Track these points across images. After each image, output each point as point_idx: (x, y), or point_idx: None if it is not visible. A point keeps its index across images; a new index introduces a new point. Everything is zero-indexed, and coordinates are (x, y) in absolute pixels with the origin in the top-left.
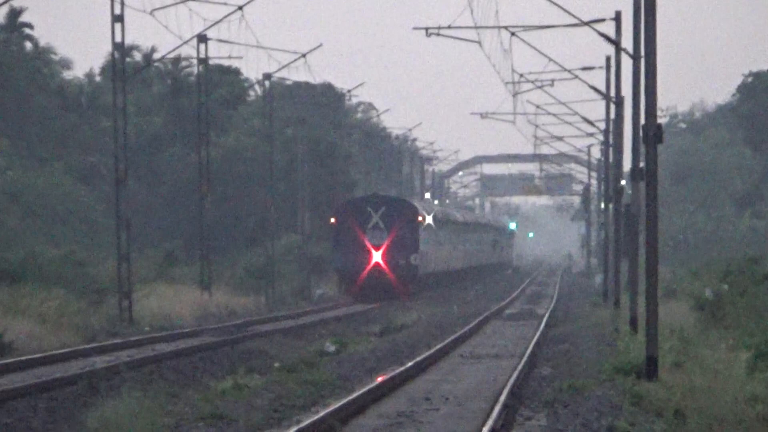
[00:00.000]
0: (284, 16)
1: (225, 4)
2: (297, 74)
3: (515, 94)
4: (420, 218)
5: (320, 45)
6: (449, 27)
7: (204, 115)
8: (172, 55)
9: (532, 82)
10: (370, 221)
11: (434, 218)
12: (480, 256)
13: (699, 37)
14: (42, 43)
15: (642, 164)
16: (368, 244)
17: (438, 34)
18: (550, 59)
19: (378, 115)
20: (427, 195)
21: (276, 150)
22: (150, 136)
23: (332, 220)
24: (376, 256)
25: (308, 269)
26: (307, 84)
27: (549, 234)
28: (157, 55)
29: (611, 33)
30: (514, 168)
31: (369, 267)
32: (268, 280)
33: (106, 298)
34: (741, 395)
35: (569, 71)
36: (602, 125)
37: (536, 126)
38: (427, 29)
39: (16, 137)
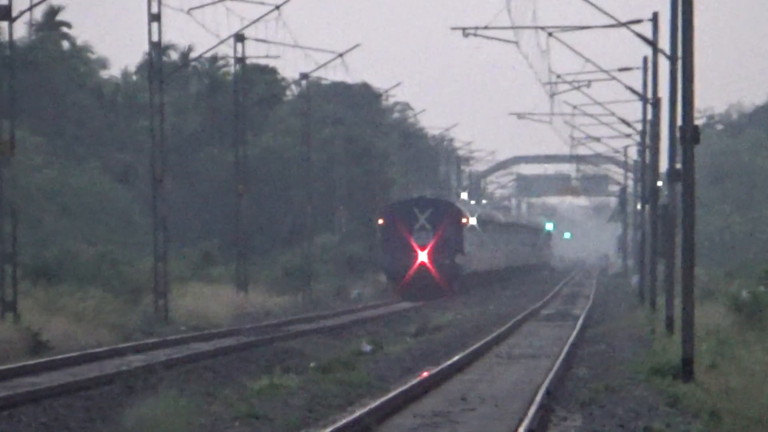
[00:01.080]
0: (321, 16)
1: (262, 3)
2: (334, 74)
3: (552, 95)
4: (464, 220)
5: (357, 45)
6: (486, 27)
7: (241, 115)
8: (209, 55)
9: (569, 82)
10: (416, 222)
11: (478, 220)
12: (520, 257)
13: (736, 37)
14: (79, 42)
15: (679, 165)
16: (414, 245)
17: (475, 35)
18: (587, 60)
19: (415, 115)
20: (464, 195)
21: (313, 150)
22: (187, 136)
23: (380, 221)
24: (422, 256)
25: (345, 269)
26: (344, 84)
27: (585, 235)
28: (194, 55)
29: (648, 34)
30: (551, 168)
31: (415, 266)
32: (304, 279)
33: (142, 297)
34: None
35: (606, 72)
36: (639, 126)
37: (573, 127)
38: (464, 29)
39: (53, 136)
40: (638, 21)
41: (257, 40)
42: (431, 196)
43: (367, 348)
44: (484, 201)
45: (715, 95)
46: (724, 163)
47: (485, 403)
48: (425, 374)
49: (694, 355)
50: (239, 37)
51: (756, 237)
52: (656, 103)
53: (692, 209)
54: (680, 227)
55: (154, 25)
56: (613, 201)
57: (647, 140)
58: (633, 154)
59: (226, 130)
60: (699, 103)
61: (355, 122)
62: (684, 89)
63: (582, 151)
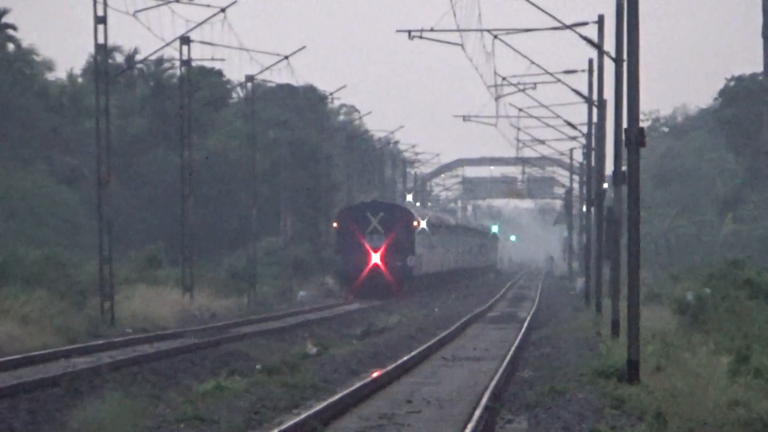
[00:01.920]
0: (267, 18)
1: (208, 6)
2: (279, 76)
3: (498, 97)
4: (415, 223)
5: (303, 47)
6: (432, 30)
7: (186, 117)
8: (154, 57)
9: (515, 85)
10: (369, 226)
11: (428, 223)
12: (468, 259)
13: (682, 41)
14: (24, 44)
15: (624, 168)
16: (367, 247)
17: (421, 37)
18: (533, 62)
19: (360, 118)
20: (409, 197)
21: (258, 152)
22: (132, 138)
23: (334, 224)
24: (375, 258)
25: (290, 271)
26: (289, 86)
27: (531, 237)
28: (139, 57)
29: (594, 36)
30: (497, 171)
31: (368, 268)
32: (250, 282)
33: (88, 299)
34: (722, 399)
35: (552, 74)
36: (585, 128)
37: (518, 129)
38: (409, 32)
39: None
40: (584, 23)
41: (202, 42)
42: (383, 201)
43: (313, 350)
44: (429, 204)
45: (660, 98)
46: (669, 165)
47: (430, 406)
48: (376, 374)
49: (639, 357)
50: (184, 40)
51: (701, 239)
52: (602, 106)
53: (637, 211)
54: (625, 230)
55: (100, 27)
56: (558, 203)
57: (593, 143)
58: (578, 156)
59: (172, 132)
60: (644, 105)
61: (301, 125)
62: (629, 92)
63: (527, 153)
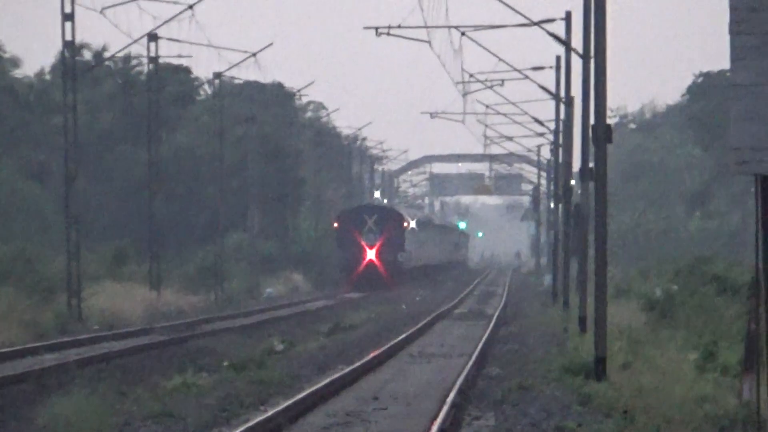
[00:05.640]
0: (235, 15)
1: (175, 2)
2: (247, 73)
3: (465, 94)
4: (405, 223)
5: (271, 44)
6: (399, 26)
7: (154, 114)
8: (122, 54)
9: (482, 81)
10: (365, 226)
11: (417, 223)
12: (447, 255)
13: (649, 37)
14: None
15: (591, 164)
16: (364, 244)
17: (388, 34)
18: (500, 59)
19: (328, 114)
20: (377, 194)
21: (226, 148)
22: (100, 134)
23: (335, 224)
24: (370, 254)
25: (258, 268)
26: (257, 83)
27: (499, 234)
28: (107, 54)
29: (561, 33)
30: (464, 167)
31: (364, 263)
32: (217, 278)
33: (56, 295)
34: (689, 395)
35: (519, 71)
36: (552, 125)
37: (486, 126)
38: (377, 28)
39: None
40: (551, 20)
41: (170, 39)
42: (378, 204)
43: (280, 346)
44: (396, 200)
45: (628, 94)
46: (637, 161)
47: (397, 402)
48: (336, 374)
49: (606, 354)
50: (152, 37)
51: (669, 235)
52: (569, 102)
53: (605, 207)
54: (593, 226)
55: (68, 24)
56: (526, 200)
57: (560, 139)
58: (546, 152)
59: (140, 128)
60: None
61: (268, 121)
62: (597, 88)
63: (495, 150)
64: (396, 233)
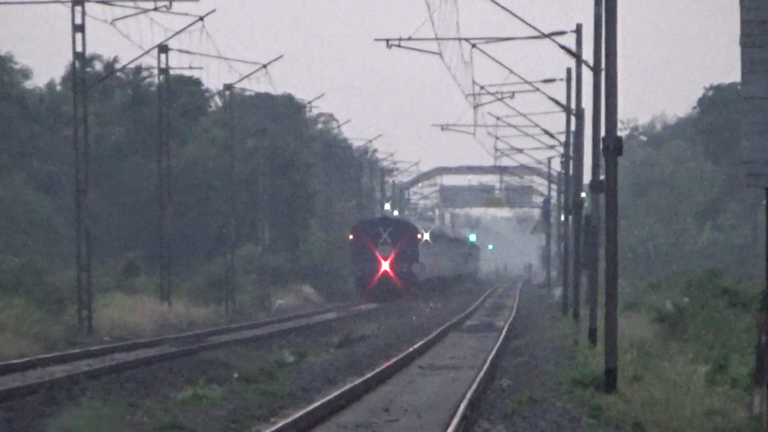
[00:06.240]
0: (245, 27)
1: (186, 14)
2: (257, 85)
3: (476, 106)
4: (419, 236)
5: (281, 56)
6: (410, 39)
7: (164, 126)
8: (132, 65)
9: (493, 94)
10: (380, 238)
11: (431, 235)
12: (459, 267)
13: (660, 50)
14: (2, 52)
15: (602, 177)
16: (379, 256)
17: (399, 46)
18: (511, 71)
19: (338, 126)
20: (387, 206)
21: (236, 161)
22: (111, 146)
23: (350, 236)
24: (385, 266)
25: (268, 280)
26: (267, 95)
27: (509, 246)
28: (118, 65)
29: (572, 46)
30: (475, 180)
31: (379, 274)
32: (227, 290)
33: (66, 307)
34: (699, 408)
35: (530, 83)
36: (563, 137)
37: (497, 138)
38: (388, 41)
39: None
40: (562, 32)
41: (181, 51)
42: (393, 217)
43: (291, 358)
44: (406, 212)
45: (638, 107)
46: (647, 174)
47: (408, 414)
48: (347, 386)
49: (617, 366)
50: (163, 48)
51: (679, 248)
52: (580, 115)
53: (615, 220)
54: (603, 238)
55: (78, 35)
56: (536, 212)
57: (571, 151)
58: (557, 165)
59: (150, 140)
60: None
61: (279, 133)
62: (607, 100)
63: (506, 162)
64: (410, 245)
